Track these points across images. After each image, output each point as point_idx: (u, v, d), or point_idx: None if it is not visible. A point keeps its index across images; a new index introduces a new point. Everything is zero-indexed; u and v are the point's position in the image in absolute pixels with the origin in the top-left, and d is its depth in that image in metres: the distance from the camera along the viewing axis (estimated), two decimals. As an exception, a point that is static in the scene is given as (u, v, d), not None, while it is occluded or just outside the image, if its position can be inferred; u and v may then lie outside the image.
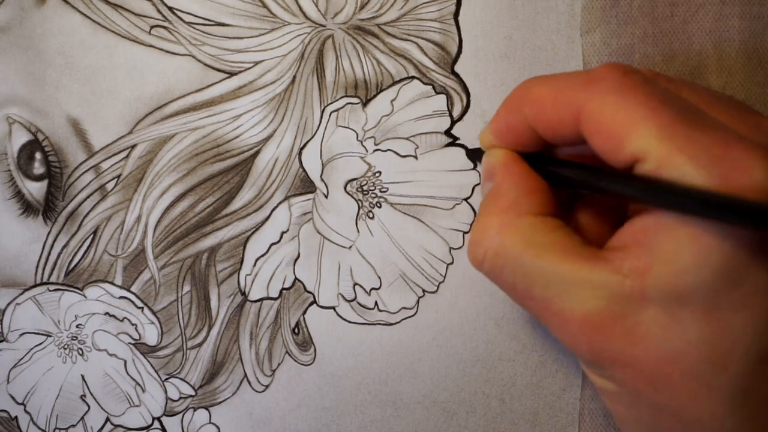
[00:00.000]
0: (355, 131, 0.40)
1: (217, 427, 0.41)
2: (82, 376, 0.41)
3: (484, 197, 0.33)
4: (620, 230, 0.29)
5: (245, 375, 0.41)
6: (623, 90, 0.27)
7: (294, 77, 0.40)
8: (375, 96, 0.40)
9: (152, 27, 0.40)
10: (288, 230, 0.40)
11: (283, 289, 0.41)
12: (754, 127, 0.28)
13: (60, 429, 0.41)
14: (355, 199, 0.40)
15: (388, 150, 0.40)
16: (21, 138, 0.40)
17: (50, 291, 0.41)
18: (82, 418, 0.41)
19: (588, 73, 0.29)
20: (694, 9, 0.39)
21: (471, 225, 0.40)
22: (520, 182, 0.31)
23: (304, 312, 0.41)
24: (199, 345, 0.41)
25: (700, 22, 0.39)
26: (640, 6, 0.38)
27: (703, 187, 0.25)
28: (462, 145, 0.40)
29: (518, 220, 0.30)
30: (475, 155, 0.39)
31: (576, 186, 0.31)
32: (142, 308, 0.41)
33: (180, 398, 0.41)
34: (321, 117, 0.40)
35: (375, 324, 0.41)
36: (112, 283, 0.41)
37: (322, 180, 0.40)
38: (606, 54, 0.39)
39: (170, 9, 0.39)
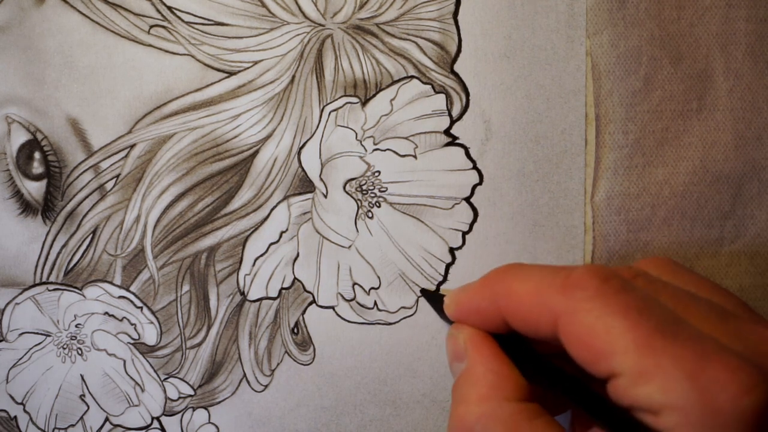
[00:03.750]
0: (354, 131, 0.40)
1: (217, 426, 0.41)
2: (82, 376, 0.41)
3: (457, 380, 0.32)
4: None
5: (244, 375, 0.41)
6: (601, 300, 0.28)
7: (293, 77, 0.40)
8: (374, 95, 0.40)
9: (151, 26, 0.40)
10: (287, 230, 0.40)
11: (282, 288, 0.41)
12: (733, 335, 0.28)
13: (59, 429, 0.41)
14: (354, 198, 0.40)
15: (388, 149, 0.40)
16: (20, 137, 0.40)
17: (49, 291, 0.41)
18: (82, 417, 0.41)
19: (567, 276, 0.29)
20: (700, 12, 0.39)
21: (470, 225, 0.40)
22: (496, 366, 0.31)
23: (304, 312, 0.41)
24: (199, 345, 0.41)
25: (707, 26, 0.39)
26: (647, 9, 0.38)
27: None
28: (464, 150, 0.40)
29: (499, 409, 0.29)
30: (431, 298, 0.38)
31: (547, 387, 0.31)
32: (141, 308, 0.41)
33: (179, 398, 0.41)
34: (320, 116, 0.40)
35: (374, 323, 0.41)
36: (111, 282, 0.41)
37: (321, 179, 0.40)
38: (614, 56, 0.39)
39: (169, 8, 0.39)
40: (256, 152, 0.40)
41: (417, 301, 0.40)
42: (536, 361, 0.31)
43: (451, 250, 0.40)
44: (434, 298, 0.37)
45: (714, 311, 0.29)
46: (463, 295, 0.33)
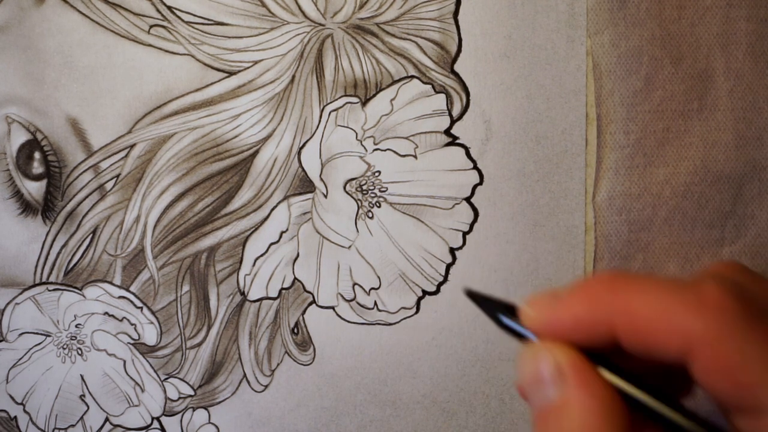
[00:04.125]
0: (354, 131, 0.40)
1: (216, 426, 0.41)
2: (82, 376, 0.41)
3: (549, 414, 0.26)
4: None
5: (244, 375, 0.41)
6: (745, 324, 0.25)
7: (293, 76, 0.40)
8: (374, 95, 0.40)
9: (151, 26, 0.40)
10: (287, 230, 0.40)
11: (282, 288, 0.41)
12: None
13: (59, 429, 0.41)
14: (354, 198, 0.40)
15: (388, 149, 0.40)
16: (20, 137, 0.40)
17: (49, 291, 0.41)
18: (82, 417, 0.41)
19: (699, 294, 0.25)
20: (701, 12, 0.38)
21: (470, 225, 0.40)
22: (603, 405, 0.25)
23: (304, 312, 0.41)
24: (199, 345, 0.41)
25: (708, 26, 0.39)
26: (647, 8, 0.38)
27: None
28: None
29: None
30: (485, 305, 0.29)
31: (651, 418, 0.26)
32: (141, 308, 0.41)
33: (179, 398, 0.41)
34: (320, 116, 0.40)
35: (374, 324, 0.41)
36: (111, 282, 0.41)
37: (322, 179, 0.40)
38: (615, 56, 0.39)
39: (169, 8, 0.39)
40: (256, 152, 0.40)
41: (417, 301, 0.40)
42: (650, 389, 0.26)
43: (452, 250, 0.40)
44: (490, 304, 0.29)
45: None
46: (560, 306, 0.27)
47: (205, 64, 0.40)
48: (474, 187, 0.40)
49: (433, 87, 0.40)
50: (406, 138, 0.40)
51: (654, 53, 0.39)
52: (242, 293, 0.41)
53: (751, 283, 0.28)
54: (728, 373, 0.25)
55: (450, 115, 0.40)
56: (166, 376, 0.41)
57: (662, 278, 0.26)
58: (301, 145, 0.40)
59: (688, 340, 0.25)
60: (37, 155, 0.40)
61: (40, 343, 0.41)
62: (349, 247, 0.40)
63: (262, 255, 0.40)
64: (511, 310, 0.28)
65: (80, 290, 0.41)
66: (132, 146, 0.40)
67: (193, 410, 0.41)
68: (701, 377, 0.25)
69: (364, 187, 0.40)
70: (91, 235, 0.40)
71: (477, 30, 0.39)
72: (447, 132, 0.40)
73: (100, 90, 0.40)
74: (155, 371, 0.41)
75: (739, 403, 0.25)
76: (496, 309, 0.28)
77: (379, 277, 0.40)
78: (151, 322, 0.41)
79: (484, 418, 0.41)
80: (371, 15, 0.39)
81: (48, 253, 0.40)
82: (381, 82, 0.40)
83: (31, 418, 0.41)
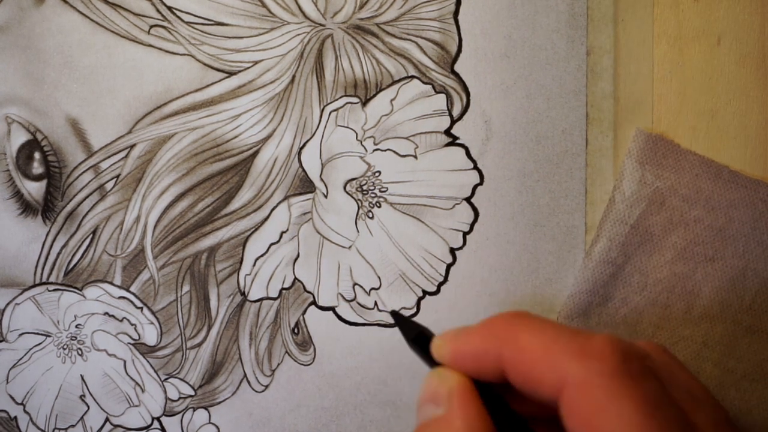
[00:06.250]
0: (354, 131, 0.40)
1: (217, 427, 0.41)
2: (82, 376, 0.41)
3: (429, 424, 0.29)
4: None
5: (245, 375, 0.41)
6: (619, 380, 0.26)
7: (293, 77, 0.40)
8: (374, 95, 0.40)
9: (151, 26, 0.40)
10: (287, 230, 0.40)
11: (282, 289, 0.41)
12: None
13: (59, 429, 0.41)
14: (354, 198, 0.40)
15: (388, 150, 0.40)
16: (20, 138, 0.40)
17: (49, 291, 0.41)
18: (82, 418, 0.41)
19: (585, 342, 0.27)
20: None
21: (471, 225, 0.40)
22: (475, 424, 0.28)
23: (304, 312, 0.41)
24: (199, 345, 0.41)
25: None
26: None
27: None
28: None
29: None
30: (403, 325, 0.33)
31: None
32: (141, 308, 0.41)
33: (179, 398, 0.41)
34: (320, 116, 0.40)
35: (374, 324, 0.41)
36: (111, 283, 0.40)
37: (322, 180, 0.40)
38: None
39: (169, 8, 0.39)
40: (257, 152, 0.40)
41: (417, 301, 0.40)
42: (516, 421, 0.30)
43: (452, 251, 0.40)
44: (409, 327, 0.32)
45: (719, 419, 0.28)
46: (462, 338, 0.30)
47: (205, 65, 0.40)
48: (474, 187, 0.40)
49: (434, 87, 0.40)
50: (407, 138, 0.40)
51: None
52: (242, 293, 0.41)
53: (665, 364, 0.30)
54: (589, 419, 0.26)
55: (450, 115, 0.40)
56: (167, 376, 0.41)
57: (559, 324, 0.28)
58: (301, 145, 0.40)
59: (562, 380, 0.26)
60: (37, 155, 0.40)
61: (40, 344, 0.41)
62: (350, 247, 0.40)
63: (262, 255, 0.40)
64: (427, 337, 0.31)
65: (80, 290, 0.41)
66: (132, 146, 0.40)
67: (194, 410, 0.41)
68: (565, 418, 0.26)
69: (365, 187, 0.40)
70: (91, 236, 0.40)
71: (477, 30, 0.39)
72: (447, 132, 0.40)
73: (100, 90, 0.40)
74: (155, 371, 0.41)
75: None
76: (412, 333, 0.32)
77: (379, 277, 0.40)
78: (152, 323, 0.41)
79: (485, 418, 0.41)
80: (371, 15, 0.39)
81: (48, 254, 0.40)
82: (381, 82, 0.40)
83: (31, 419, 0.41)
